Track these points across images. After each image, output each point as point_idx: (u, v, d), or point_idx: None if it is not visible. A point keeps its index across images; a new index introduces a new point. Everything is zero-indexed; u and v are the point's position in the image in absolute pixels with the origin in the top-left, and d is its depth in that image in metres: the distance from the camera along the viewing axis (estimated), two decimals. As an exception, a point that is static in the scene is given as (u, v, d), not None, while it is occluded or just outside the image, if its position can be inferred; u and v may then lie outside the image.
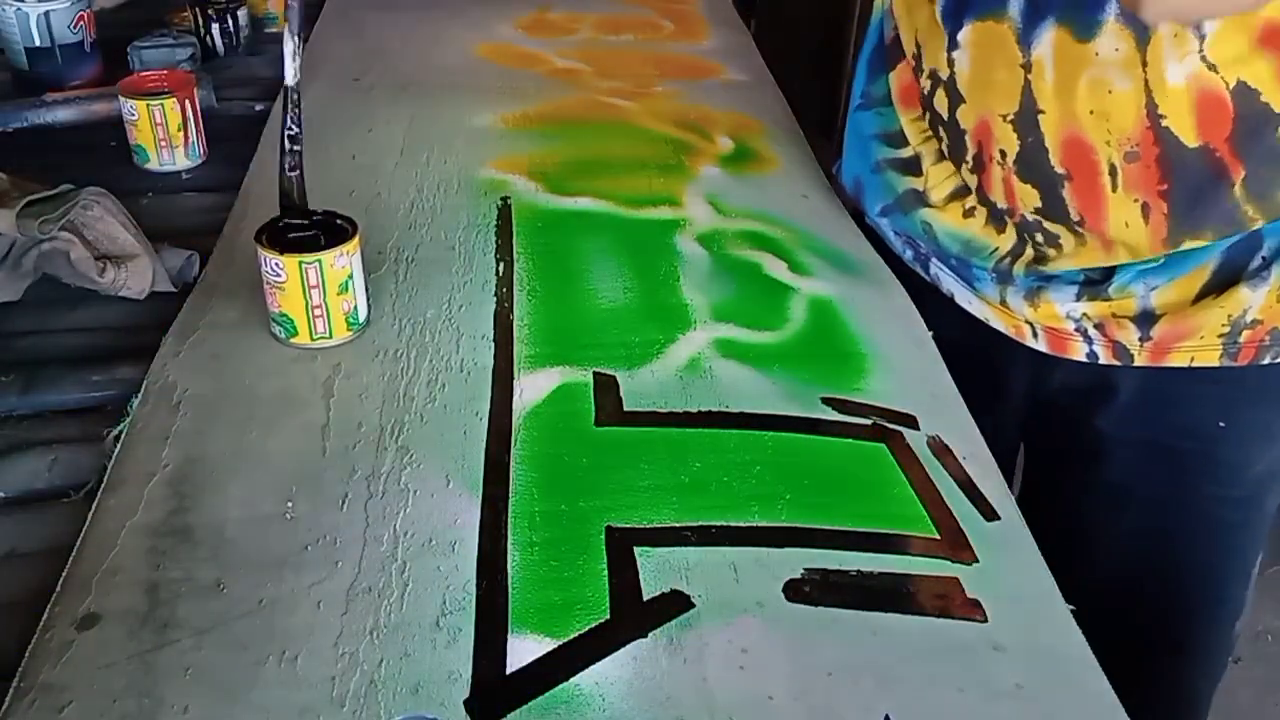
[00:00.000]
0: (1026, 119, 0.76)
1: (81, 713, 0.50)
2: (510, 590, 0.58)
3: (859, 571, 0.60)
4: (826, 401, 0.74)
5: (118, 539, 0.59)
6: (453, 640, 0.55)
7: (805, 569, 0.60)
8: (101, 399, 0.73)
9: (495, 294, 0.83)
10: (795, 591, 0.59)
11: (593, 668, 0.54)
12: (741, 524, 0.63)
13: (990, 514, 0.66)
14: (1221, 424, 0.82)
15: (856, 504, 0.65)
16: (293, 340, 0.75)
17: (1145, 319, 0.78)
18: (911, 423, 0.73)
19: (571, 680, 0.53)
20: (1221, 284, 0.75)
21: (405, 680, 0.52)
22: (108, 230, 0.82)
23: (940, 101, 0.82)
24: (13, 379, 0.74)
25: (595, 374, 0.74)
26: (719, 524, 0.63)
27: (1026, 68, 0.74)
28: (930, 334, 0.83)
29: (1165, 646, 0.90)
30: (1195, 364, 0.78)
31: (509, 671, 0.53)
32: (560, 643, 0.55)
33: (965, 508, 0.66)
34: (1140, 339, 0.79)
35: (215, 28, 1.29)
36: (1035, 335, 0.84)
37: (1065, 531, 0.83)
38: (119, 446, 0.66)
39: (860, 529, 0.63)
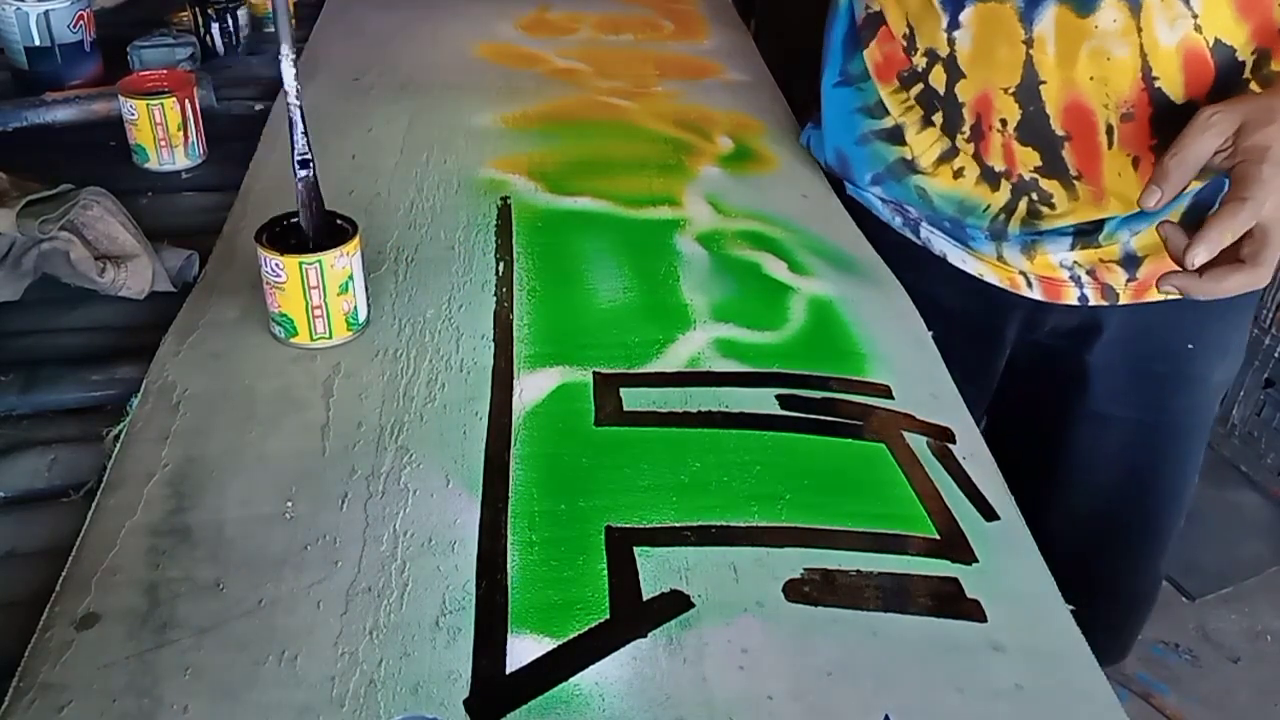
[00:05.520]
0: (1028, 90, 0.80)
1: (81, 712, 0.50)
2: (510, 590, 0.58)
3: (859, 571, 0.60)
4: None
5: (117, 539, 0.59)
6: (452, 640, 0.55)
7: (805, 569, 0.60)
8: (101, 399, 0.73)
9: (495, 294, 0.83)
10: (795, 591, 0.59)
11: (592, 667, 0.54)
12: (741, 524, 0.63)
13: (990, 514, 0.66)
14: (1190, 345, 0.93)
15: (856, 504, 0.65)
16: (292, 340, 0.75)
17: (1130, 261, 0.87)
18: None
19: (571, 680, 0.53)
20: (1193, 224, 0.76)
21: (405, 680, 0.52)
22: (107, 230, 0.82)
23: (937, 78, 0.85)
24: (13, 379, 0.74)
25: (595, 374, 0.74)
26: (719, 524, 0.63)
27: (1029, 44, 0.78)
28: (930, 334, 0.84)
29: (1145, 536, 1.04)
30: (1169, 296, 0.83)
31: (509, 671, 0.53)
32: (560, 642, 0.55)
33: (965, 508, 0.66)
34: (1127, 280, 0.88)
35: (215, 27, 1.29)
36: (1030, 285, 0.91)
37: (1047, 454, 1.01)
38: (118, 446, 0.66)
39: (860, 529, 0.63)
